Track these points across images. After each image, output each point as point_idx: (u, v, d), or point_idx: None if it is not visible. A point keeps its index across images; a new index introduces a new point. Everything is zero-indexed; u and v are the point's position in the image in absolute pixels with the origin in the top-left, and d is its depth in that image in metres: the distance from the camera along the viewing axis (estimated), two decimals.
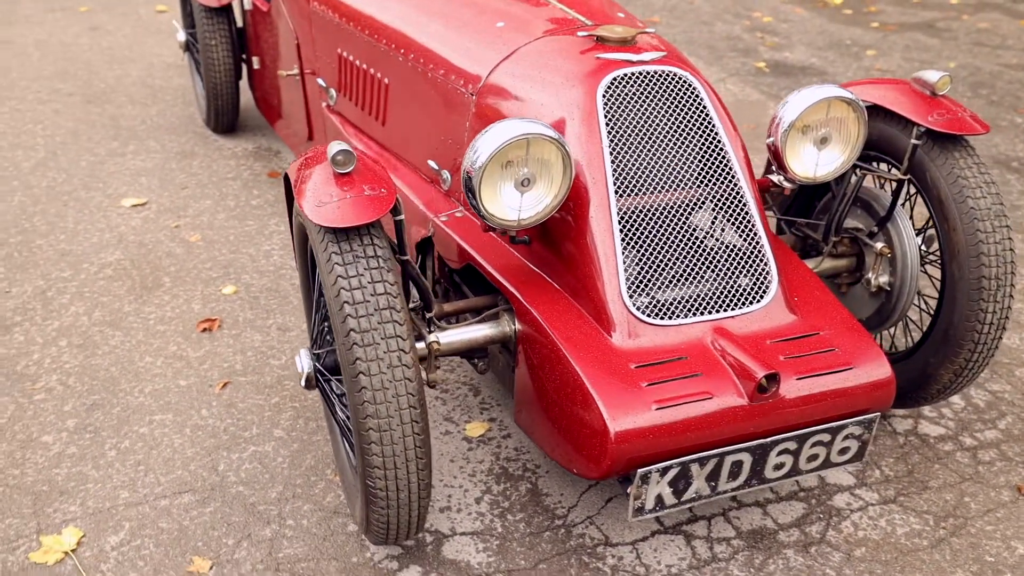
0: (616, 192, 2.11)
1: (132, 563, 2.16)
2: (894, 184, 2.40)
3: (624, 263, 2.07)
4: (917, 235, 2.47)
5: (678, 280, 2.10)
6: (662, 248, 2.10)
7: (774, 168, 2.35)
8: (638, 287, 2.07)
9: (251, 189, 3.93)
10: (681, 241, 2.12)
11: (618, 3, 2.84)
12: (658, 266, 2.10)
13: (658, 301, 2.07)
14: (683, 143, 2.18)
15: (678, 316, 2.07)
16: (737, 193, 2.18)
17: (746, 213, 2.18)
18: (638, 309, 2.05)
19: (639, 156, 2.14)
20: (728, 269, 2.13)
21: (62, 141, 4.37)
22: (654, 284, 2.08)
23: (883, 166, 2.65)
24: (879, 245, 2.45)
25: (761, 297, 2.14)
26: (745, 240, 2.16)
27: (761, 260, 2.16)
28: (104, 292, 3.19)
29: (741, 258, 2.15)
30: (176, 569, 2.14)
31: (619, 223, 2.09)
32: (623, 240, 2.08)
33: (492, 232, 2.23)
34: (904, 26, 6.60)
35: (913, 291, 2.45)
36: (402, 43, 2.72)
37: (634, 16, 2.71)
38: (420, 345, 2.08)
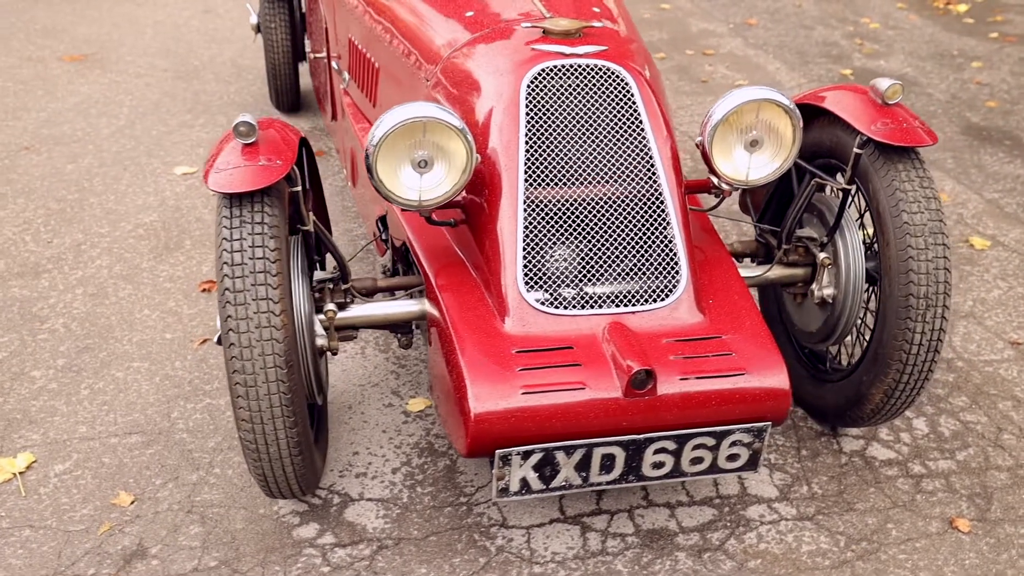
0: (527, 182, 2.14)
1: (67, 489, 2.37)
2: (840, 194, 2.32)
3: (524, 252, 2.11)
4: (868, 248, 2.38)
5: (584, 272, 2.11)
6: (571, 240, 2.13)
7: (708, 169, 2.32)
8: (542, 278, 2.10)
9: None
10: (592, 234, 2.13)
11: None
12: (567, 257, 2.12)
13: (585, 293, 2.09)
14: (606, 138, 2.19)
15: (575, 308, 2.09)
16: (656, 192, 2.18)
17: (663, 212, 2.17)
18: (540, 301, 2.08)
19: (558, 148, 2.17)
20: (636, 265, 2.13)
21: (143, 112, 4.73)
22: (563, 275, 2.10)
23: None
24: (822, 255, 2.38)
25: (667, 296, 2.13)
26: (658, 239, 2.15)
27: (671, 259, 2.14)
28: (130, 249, 3.46)
29: (651, 256, 2.14)
30: (102, 499, 2.34)
31: (524, 212, 2.12)
32: (526, 229, 2.12)
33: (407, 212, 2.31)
34: None
35: (857, 305, 2.36)
36: (389, 28, 2.83)
37: (611, 10, 2.71)
38: (322, 316, 2.19)
